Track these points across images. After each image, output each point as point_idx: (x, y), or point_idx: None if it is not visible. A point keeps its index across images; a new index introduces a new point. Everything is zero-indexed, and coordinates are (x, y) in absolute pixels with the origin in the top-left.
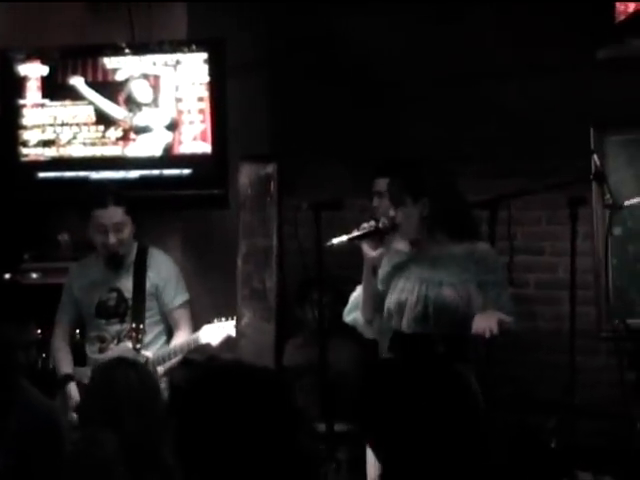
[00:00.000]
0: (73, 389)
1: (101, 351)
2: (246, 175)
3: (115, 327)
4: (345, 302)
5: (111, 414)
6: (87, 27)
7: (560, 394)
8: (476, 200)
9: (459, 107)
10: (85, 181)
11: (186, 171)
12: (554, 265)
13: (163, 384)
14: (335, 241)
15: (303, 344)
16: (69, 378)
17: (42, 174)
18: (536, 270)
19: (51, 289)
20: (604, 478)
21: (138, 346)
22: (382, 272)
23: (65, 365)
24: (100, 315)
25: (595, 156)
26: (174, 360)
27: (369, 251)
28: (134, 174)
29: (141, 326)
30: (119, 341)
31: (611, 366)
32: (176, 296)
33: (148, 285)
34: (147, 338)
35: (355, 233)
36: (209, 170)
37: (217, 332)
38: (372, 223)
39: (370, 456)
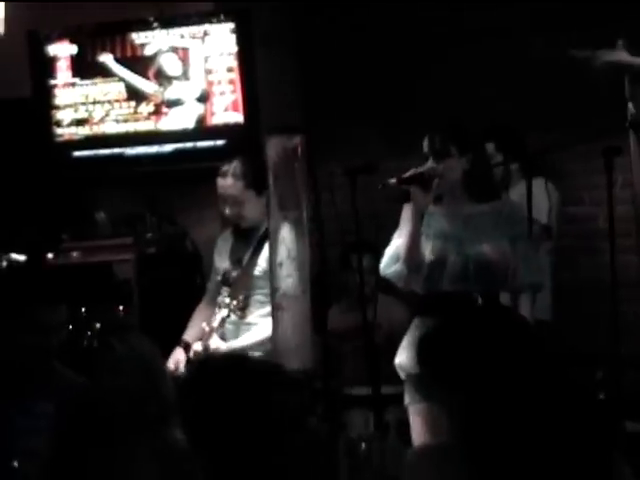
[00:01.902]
0: (180, 355)
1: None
2: (273, 148)
3: (226, 298)
4: None
5: None
6: (113, 3)
7: (605, 345)
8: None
9: (489, 62)
10: (120, 157)
11: (220, 142)
12: (594, 215)
13: None
14: (388, 182)
15: (347, 309)
16: (183, 343)
17: (77, 153)
18: (577, 220)
19: (91, 268)
20: None
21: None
22: (406, 228)
23: (188, 331)
24: (223, 283)
25: (630, 104)
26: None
27: (418, 195)
28: (168, 148)
29: (235, 302)
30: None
31: None
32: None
33: (258, 263)
34: (251, 317)
35: (403, 175)
36: (243, 140)
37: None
38: (418, 169)
39: (414, 421)
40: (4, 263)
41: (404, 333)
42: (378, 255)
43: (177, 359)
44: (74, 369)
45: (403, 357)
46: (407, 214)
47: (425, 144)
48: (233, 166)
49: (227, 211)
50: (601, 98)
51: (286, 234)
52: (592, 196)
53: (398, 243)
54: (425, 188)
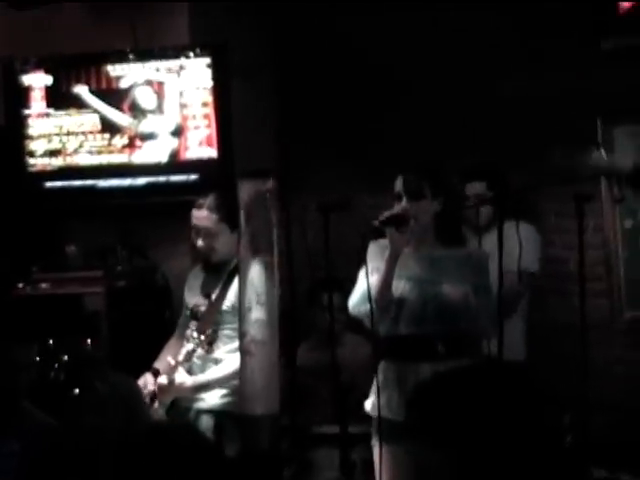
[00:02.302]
0: (149, 379)
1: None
2: (245, 191)
3: (194, 332)
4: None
5: None
6: (88, 34)
7: (574, 388)
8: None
9: (463, 101)
10: (93, 189)
11: (193, 176)
12: (565, 258)
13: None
14: (373, 224)
15: (316, 346)
16: (153, 370)
17: (49, 183)
18: (548, 262)
19: (60, 299)
20: (620, 474)
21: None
22: (373, 266)
23: (159, 360)
24: (193, 317)
25: (603, 150)
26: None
27: (395, 237)
28: (141, 181)
29: (203, 337)
30: (195, 345)
31: (625, 359)
32: None
33: (227, 297)
34: (218, 352)
35: (381, 218)
36: (216, 175)
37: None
38: (393, 211)
39: (379, 461)
40: None
41: (370, 372)
42: (347, 293)
43: (146, 381)
44: (41, 402)
45: (372, 402)
46: (373, 252)
47: (398, 183)
48: (209, 199)
49: (199, 243)
50: (573, 142)
51: (256, 278)
52: (563, 239)
53: (370, 281)
54: (400, 230)
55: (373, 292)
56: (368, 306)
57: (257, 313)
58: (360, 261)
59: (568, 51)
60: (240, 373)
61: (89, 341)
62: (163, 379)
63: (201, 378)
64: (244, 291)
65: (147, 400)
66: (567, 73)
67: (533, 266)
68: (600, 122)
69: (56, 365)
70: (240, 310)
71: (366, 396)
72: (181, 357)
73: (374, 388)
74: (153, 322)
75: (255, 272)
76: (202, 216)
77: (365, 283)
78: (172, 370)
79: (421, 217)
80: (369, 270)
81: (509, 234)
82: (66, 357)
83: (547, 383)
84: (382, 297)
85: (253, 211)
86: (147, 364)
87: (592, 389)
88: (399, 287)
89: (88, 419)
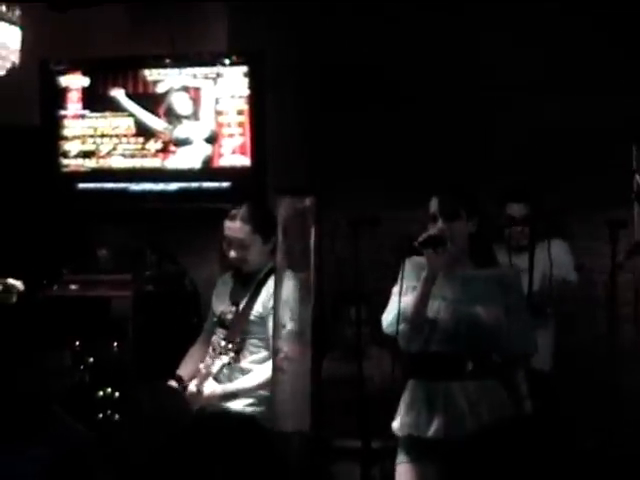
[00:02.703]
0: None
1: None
2: (284, 208)
3: (222, 340)
4: (376, 317)
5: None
6: (127, 39)
7: (600, 413)
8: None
9: (498, 124)
10: (125, 192)
11: (225, 184)
12: (593, 281)
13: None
14: (414, 244)
15: (340, 358)
16: (176, 377)
17: (82, 185)
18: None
19: (90, 302)
20: None
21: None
22: (408, 285)
23: (182, 368)
24: (220, 325)
25: (637, 175)
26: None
27: (432, 258)
28: (173, 186)
29: (232, 345)
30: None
31: None
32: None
33: (255, 307)
34: (244, 361)
35: (420, 239)
36: (248, 183)
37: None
38: (430, 232)
39: (399, 474)
40: (0, 287)
41: (395, 387)
42: (372, 306)
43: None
44: (64, 403)
45: (400, 420)
46: (409, 270)
47: (434, 204)
48: (242, 210)
49: (232, 254)
50: (607, 166)
51: (290, 295)
52: (593, 262)
53: (405, 301)
54: (438, 251)
55: (408, 312)
56: (402, 326)
57: (291, 330)
58: (390, 275)
59: (609, 73)
60: (273, 389)
61: (115, 344)
62: (192, 387)
63: (230, 387)
64: (278, 307)
65: None
66: (606, 95)
67: (570, 276)
68: (635, 147)
69: (82, 367)
70: (274, 326)
71: (390, 411)
72: (214, 369)
73: (402, 407)
74: (180, 327)
75: (290, 289)
76: (235, 227)
77: (399, 302)
78: (202, 378)
79: (457, 238)
80: (404, 289)
81: (542, 254)
82: (92, 359)
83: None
84: (417, 317)
85: (291, 228)
86: (172, 369)
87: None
88: (432, 306)
89: (128, 435)
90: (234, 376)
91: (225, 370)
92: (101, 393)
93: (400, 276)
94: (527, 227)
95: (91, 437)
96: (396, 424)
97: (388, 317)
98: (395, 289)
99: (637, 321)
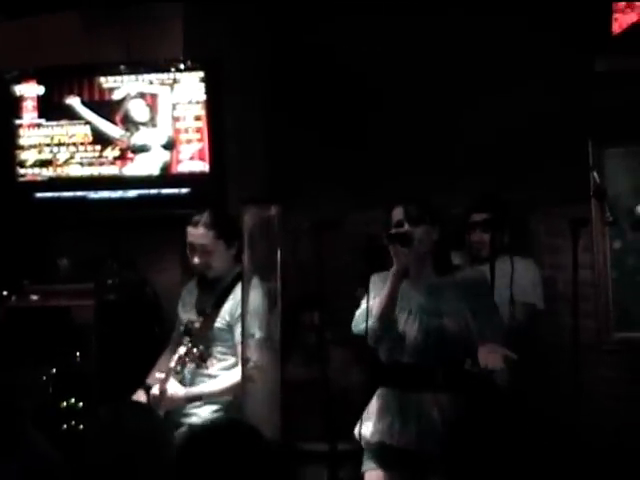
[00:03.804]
0: (141, 397)
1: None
2: (250, 217)
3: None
4: (339, 320)
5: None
6: (81, 45)
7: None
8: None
9: (456, 122)
10: (83, 201)
11: (184, 190)
12: (553, 278)
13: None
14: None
15: (302, 363)
16: (145, 387)
17: (40, 194)
18: None
19: (51, 312)
20: None
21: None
22: (375, 294)
23: (151, 377)
24: (186, 334)
25: (595, 173)
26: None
27: (400, 252)
28: (132, 193)
29: (195, 351)
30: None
31: (611, 379)
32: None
33: (221, 315)
34: (212, 369)
35: (388, 233)
36: (207, 189)
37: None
38: (398, 230)
39: (368, 476)
40: None
41: (360, 390)
42: (332, 310)
43: (138, 399)
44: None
45: (366, 427)
46: (376, 282)
47: (398, 212)
48: (204, 216)
49: (195, 260)
50: (565, 163)
51: (259, 304)
52: (552, 259)
53: (373, 302)
54: (405, 247)
55: (376, 310)
56: (370, 323)
57: (260, 341)
58: (351, 278)
59: (561, 71)
60: (243, 399)
61: (78, 354)
62: (155, 390)
63: (195, 390)
64: (246, 317)
65: None
66: (560, 93)
67: (530, 298)
68: (591, 143)
69: (44, 377)
70: (243, 336)
71: (355, 414)
72: (173, 364)
73: (368, 413)
74: (142, 336)
75: (258, 298)
76: (198, 233)
77: (366, 305)
78: (164, 380)
79: (424, 240)
80: (371, 297)
81: (503, 268)
82: (54, 370)
83: (536, 403)
84: (386, 314)
85: (257, 236)
86: (136, 379)
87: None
88: (400, 319)
89: (88, 449)
90: (201, 382)
91: (189, 375)
92: (64, 404)
93: (368, 290)
94: (488, 235)
95: (59, 455)
96: (365, 430)
97: (357, 318)
98: (363, 303)
99: (597, 316)
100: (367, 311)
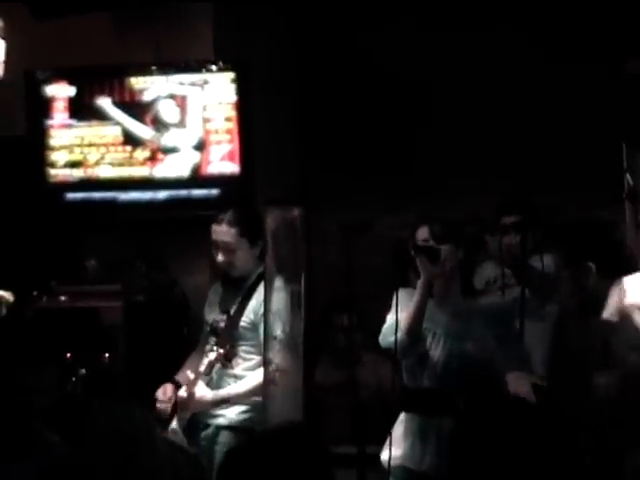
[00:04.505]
0: (168, 389)
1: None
2: (272, 219)
3: (213, 347)
4: (370, 323)
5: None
6: (112, 46)
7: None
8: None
9: (489, 124)
10: (113, 202)
11: (214, 191)
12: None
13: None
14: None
15: (333, 365)
16: (174, 381)
17: (70, 195)
18: None
19: (80, 313)
20: None
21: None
22: (402, 307)
23: (180, 374)
24: (212, 334)
25: (628, 175)
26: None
27: (427, 264)
28: (162, 195)
29: (224, 351)
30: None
31: None
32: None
33: (245, 314)
34: (237, 368)
35: (416, 244)
36: (237, 190)
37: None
38: (427, 243)
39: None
40: None
41: (392, 394)
42: (363, 313)
43: (165, 390)
44: (58, 417)
45: (393, 452)
46: (403, 298)
47: (423, 232)
48: (228, 214)
49: (219, 258)
50: (598, 167)
51: (282, 306)
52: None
53: (401, 316)
54: (432, 261)
55: (404, 323)
56: (399, 336)
57: (282, 343)
58: (382, 281)
59: (594, 73)
60: (264, 402)
61: (107, 355)
62: (182, 392)
63: (222, 392)
64: (269, 318)
65: (168, 411)
66: (593, 96)
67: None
68: (625, 145)
69: (73, 378)
70: (265, 337)
71: (387, 417)
72: (202, 368)
73: (395, 439)
74: (170, 337)
75: (281, 299)
76: (222, 230)
77: (394, 318)
78: (192, 383)
79: (449, 258)
80: (398, 312)
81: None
82: (83, 371)
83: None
84: (414, 326)
85: (280, 238)
86: (164, 380)
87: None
88: (425, 340)
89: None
90: (225, 383)
91: (215, 376)
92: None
93: (394, 303)
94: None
95: (70, 453)
96: (385, 455)
97: (384, 331)
98: (390, 316)
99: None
100: (396, 324)
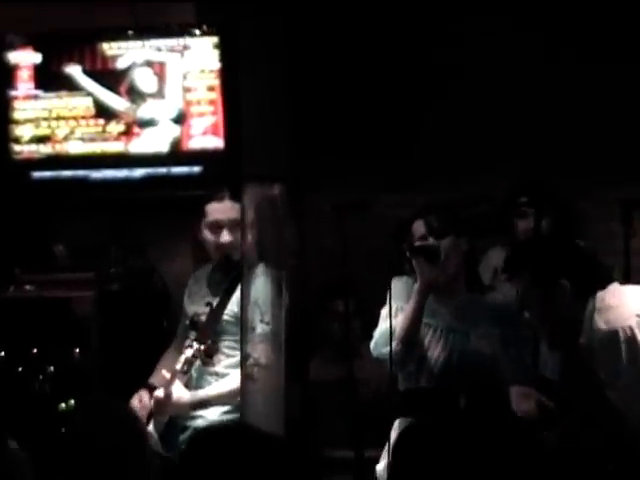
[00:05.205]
0: (144, 397)
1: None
2: (250, 198)
3: (194, 342)
4: (369, 310)
5: None
6: (83, 9)
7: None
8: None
9: (494, 105)
10: (85, 181)
11: (196, 169)
12: (609, 265)
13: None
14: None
15: (331, 357)
16: (148, 386)
17: (37, 174)
18: None
19: (47, 304)
20: None
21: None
22: (397, 306)
23: (155, 375)
24: (191, 327)
25: None
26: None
27: (425, 267)
28: (138, 172)
29: (205, 346)
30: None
31: None
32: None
33: (229, 307)
34: (219, 366)
35: (413, 245)
36: (222, 167)
37: None
38: (424, 242)
39: None
40: None
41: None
42: (361, 298)
43: (141, 399)
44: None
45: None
46: (397, 290)
47: (419, 226)
48: (227, 191)
49: (226, 238)
50: (620, 145)
51: (261, 294)
52: (607, 246)
53: (396, 322)
54: (431, 262)
55: (399, 331)
56: (394, 346)
57: (261, 334)
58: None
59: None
60: (241, 400)
61: (77, 350)
62: (160, 392)
63: (201, 394)
64: (247, 308)
65: (144, 419)
66: (614, 73)
67: None
68: None
69: (41, 377)
70: (242, 329)
71: (387, 417)
72: (179, 366)
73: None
74: (149, 330)
75: (261, 287)
76: (226, 207)
77: (388, 323)
78: (169, 383)
79: (451, 254)
80: (393, 310)
81: None
82: (52, 368)
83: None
84: (408, 335)
85: (259, 220)
86: (142, 377)
87: None
88: (424, 336)
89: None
90: (206, 381)
91: (195, 374)
92: (63, 405)
93: (388, 297)
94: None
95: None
96: (381, 466)
97: (377, 339)
98: (383, 311)
99: None
100: (390, 329)
